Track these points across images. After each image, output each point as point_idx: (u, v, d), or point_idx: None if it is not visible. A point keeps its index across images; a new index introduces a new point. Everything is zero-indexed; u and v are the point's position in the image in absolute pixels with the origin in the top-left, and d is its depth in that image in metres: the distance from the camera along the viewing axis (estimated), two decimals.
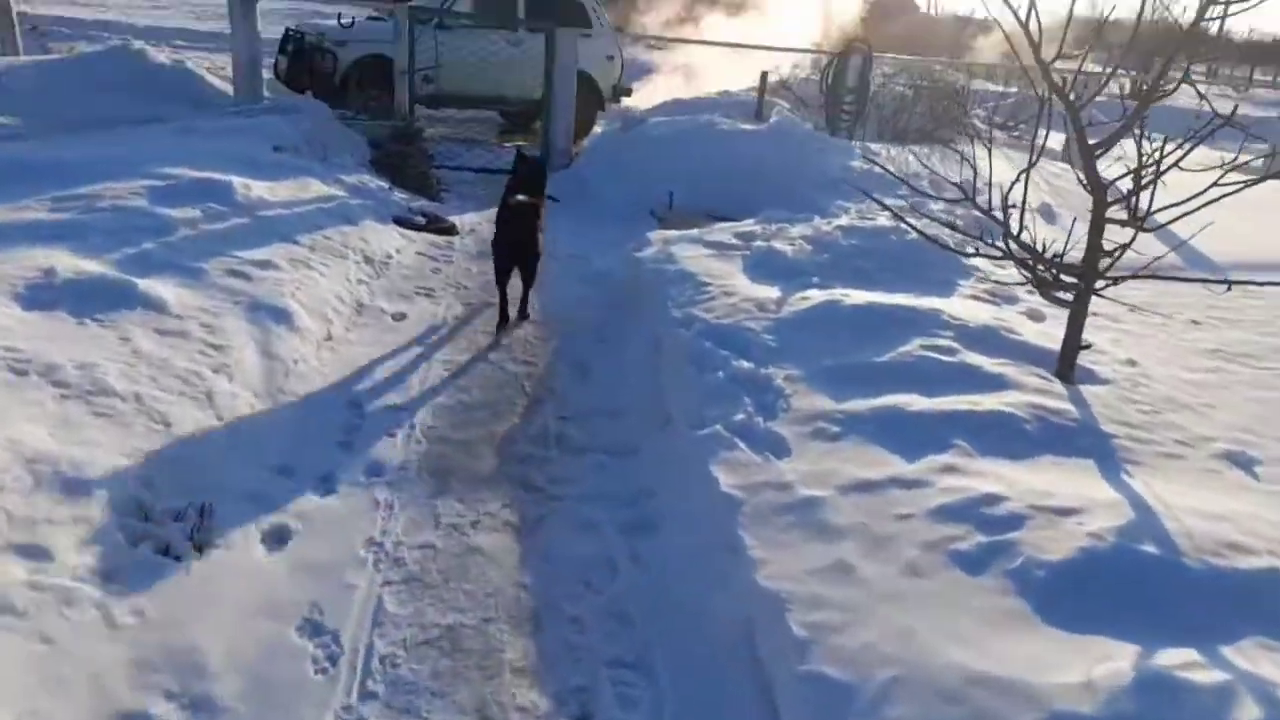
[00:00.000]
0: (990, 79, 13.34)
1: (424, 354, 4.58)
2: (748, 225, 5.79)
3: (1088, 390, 3.59)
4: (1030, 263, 3.87)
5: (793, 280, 4.67)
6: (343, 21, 9.92)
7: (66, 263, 3.96)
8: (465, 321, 5.12)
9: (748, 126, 8.73)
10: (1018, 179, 3.92)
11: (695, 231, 5.73)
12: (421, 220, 6.65)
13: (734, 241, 5.39)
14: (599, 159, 9.19)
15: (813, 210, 6.75)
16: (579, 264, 6.30)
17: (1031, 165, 3.96)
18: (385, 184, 7.18)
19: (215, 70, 10.84)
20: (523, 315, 5.12)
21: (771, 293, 4.47)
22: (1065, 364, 3.74)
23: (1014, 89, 12.51)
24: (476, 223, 7.16)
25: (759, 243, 5.25)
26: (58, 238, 4.27)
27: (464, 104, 11.42)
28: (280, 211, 5.52)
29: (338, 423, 3.74)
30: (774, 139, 8.43)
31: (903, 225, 5.26)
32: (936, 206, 7.17)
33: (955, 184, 4.38)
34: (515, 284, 5.13)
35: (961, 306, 4.37)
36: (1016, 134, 12.28)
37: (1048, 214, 7.70)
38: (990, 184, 3.99)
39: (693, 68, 13.39)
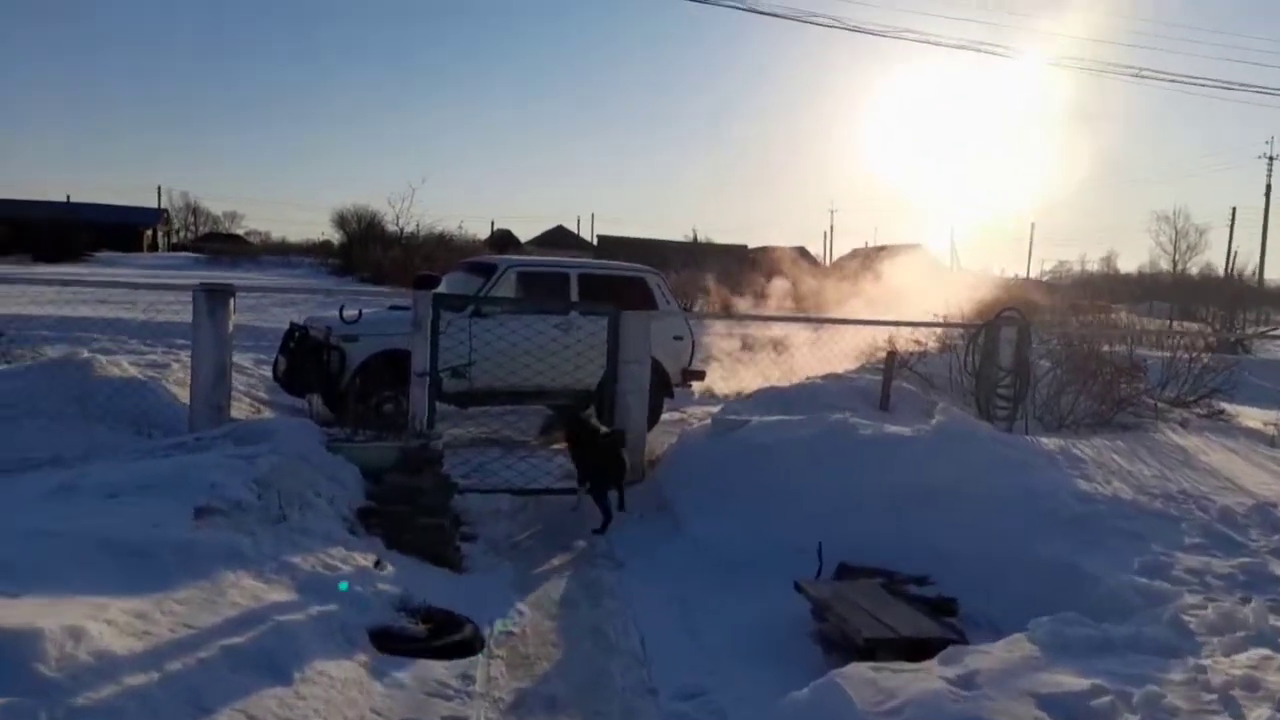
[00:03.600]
0: (1140, 343, 10.97)
1: None
2: (1047, 668, 2.94)
3: None
4: None
5: None
6: (346, 315, 7.89)
7: None
8: None
9: (899, 430, 6.16)
10: None
11: (940, 684, 2.88)
12: (420, 630, 3.91)
13: None
14: (687, 478, 6.61)
15: (1088, 590, 3.99)
16: None
17: None
18: (371, 555, 4.55)
19: None
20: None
21: None
22: None
23: (1182, 354, 10.04)
24: (518, 619, 4.40)
25: None
26: None
27: (502, 400, 9.19)
28: (137, 680, 2.82)
29: None
30: (946, 449, 5.81)
31: None
32: None
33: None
34: None
35: None
36: (1200, 410, 9.66)
37: None
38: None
39: (781, 346, 11.26)
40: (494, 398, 8.94)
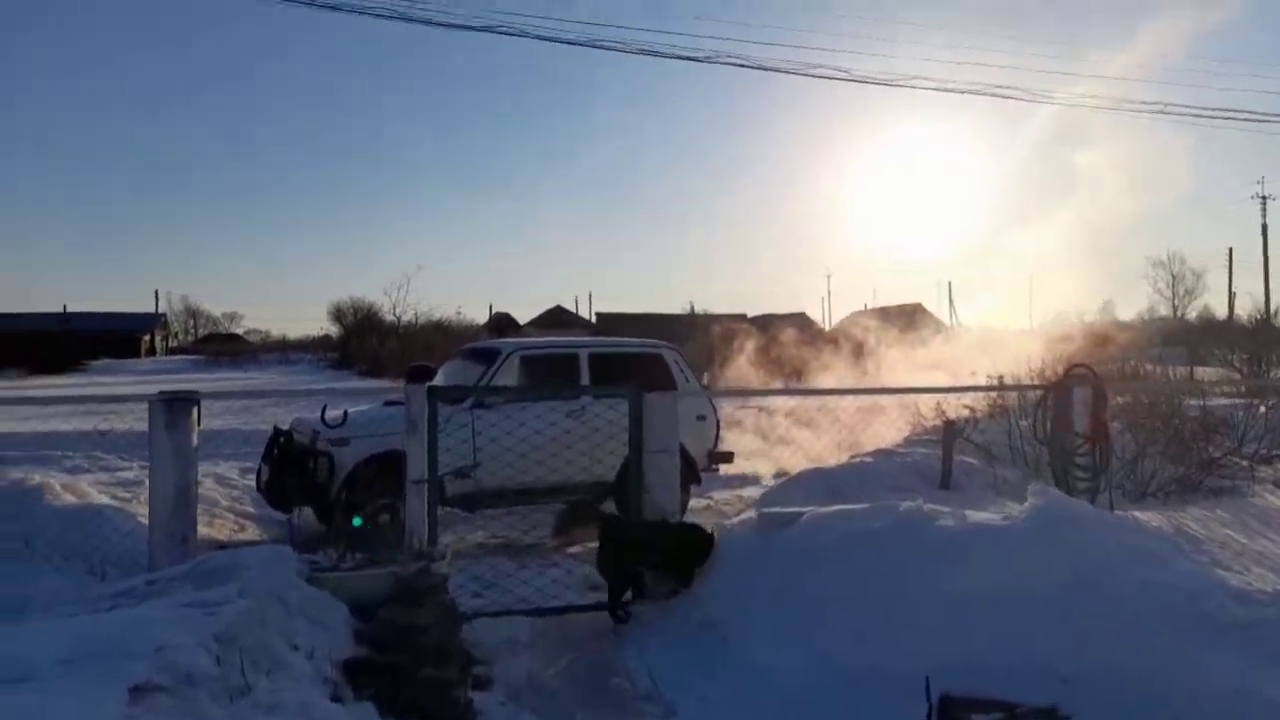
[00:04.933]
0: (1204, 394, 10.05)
1: None
2: None
3: None
4: None
5: None
6: (328, 416, 7.01)
7: None
8: None
9: (987, 517, 5.21)
10: None
11: None
12: None
13: None
14: (735, 589, 5.63)
15: None
16: None
17: None
18: None
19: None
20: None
21: None
22: None
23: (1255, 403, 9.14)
24: None
25: None
26: None
27: (512, 500, 8.25)
28: None
29: None
30: (1049, 539, 4.85)
31: None
32: None
33: None
34: None
35: None
36: None
37: None
38: None
39: (815, 422, 10.39)
40: (502, 498, 8.02)
